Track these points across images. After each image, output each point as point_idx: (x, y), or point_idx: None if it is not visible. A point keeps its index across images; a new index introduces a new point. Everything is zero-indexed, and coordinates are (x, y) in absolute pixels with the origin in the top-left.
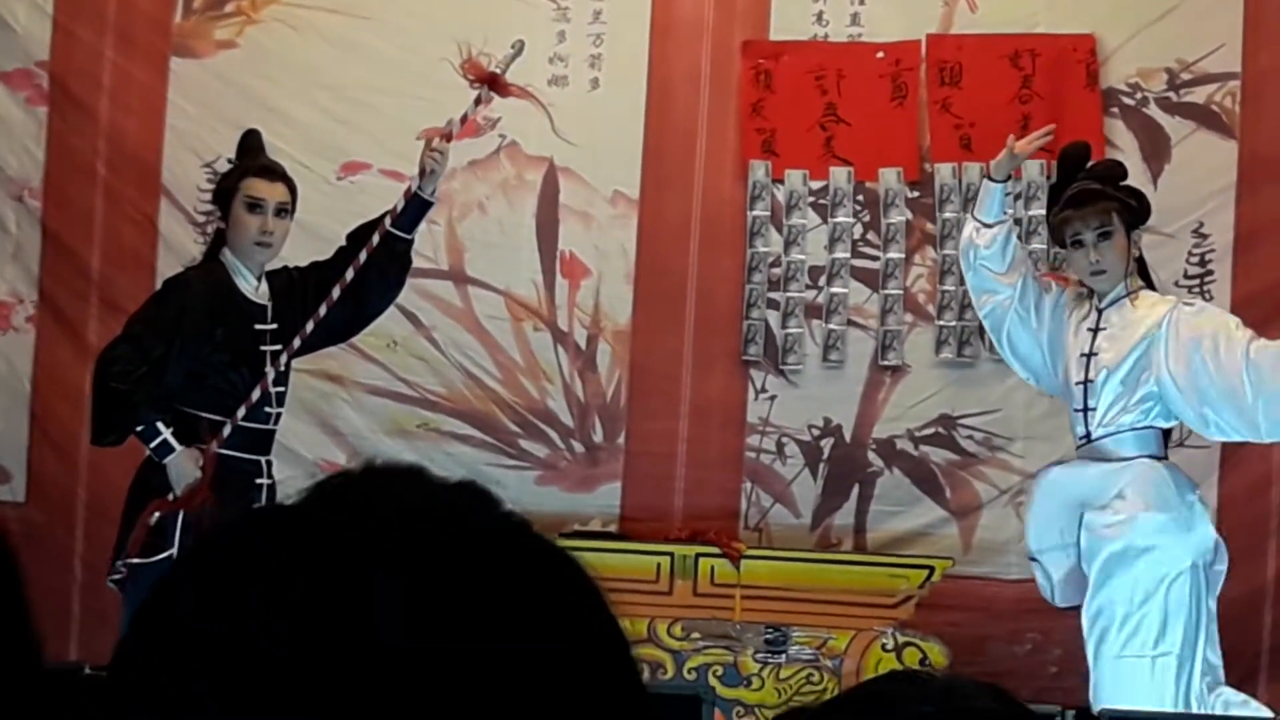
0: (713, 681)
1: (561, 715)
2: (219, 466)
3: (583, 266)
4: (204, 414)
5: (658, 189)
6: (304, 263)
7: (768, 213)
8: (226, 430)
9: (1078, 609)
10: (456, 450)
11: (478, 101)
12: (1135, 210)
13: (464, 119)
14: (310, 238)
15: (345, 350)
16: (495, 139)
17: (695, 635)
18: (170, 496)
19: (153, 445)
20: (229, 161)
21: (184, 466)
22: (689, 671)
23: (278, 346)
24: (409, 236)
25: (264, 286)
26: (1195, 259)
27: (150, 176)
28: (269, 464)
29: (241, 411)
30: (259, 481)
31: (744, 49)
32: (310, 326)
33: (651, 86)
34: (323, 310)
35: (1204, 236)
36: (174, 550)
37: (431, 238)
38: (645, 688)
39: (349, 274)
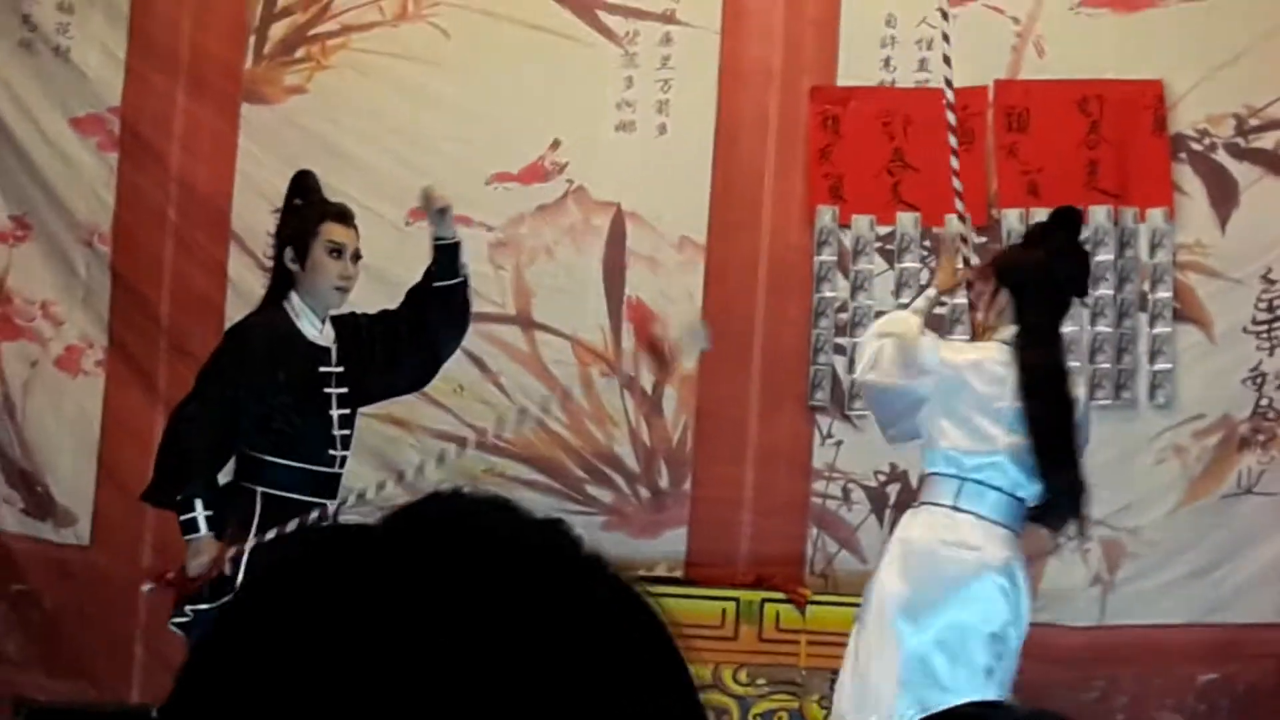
0: None
1: None
2: (280, 509)
3: (649, 312)
4: (267, 456)
5: (725, 234)
6: (371, 308)
7: (835, 258)
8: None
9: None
10: (523, 496)
11: None
12: (1024, 271)
13: None
14: (378, 284)
15: (413, 395)
16: (563, 184)
17: (760, 681)
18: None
19: (182, 519)
20: (295, 203)
21: (202, 551)
22: (754, 718)
23: (343, 390)
24: (457, 280)
25: (329, 329)
26: (1264, 305)
27: (220, 222)
28: (333, 509)
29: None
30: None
31: (812, 94)
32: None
33: (719, 132)
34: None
35: (1272, 282)
36: None
37: (499, 282)
38: None
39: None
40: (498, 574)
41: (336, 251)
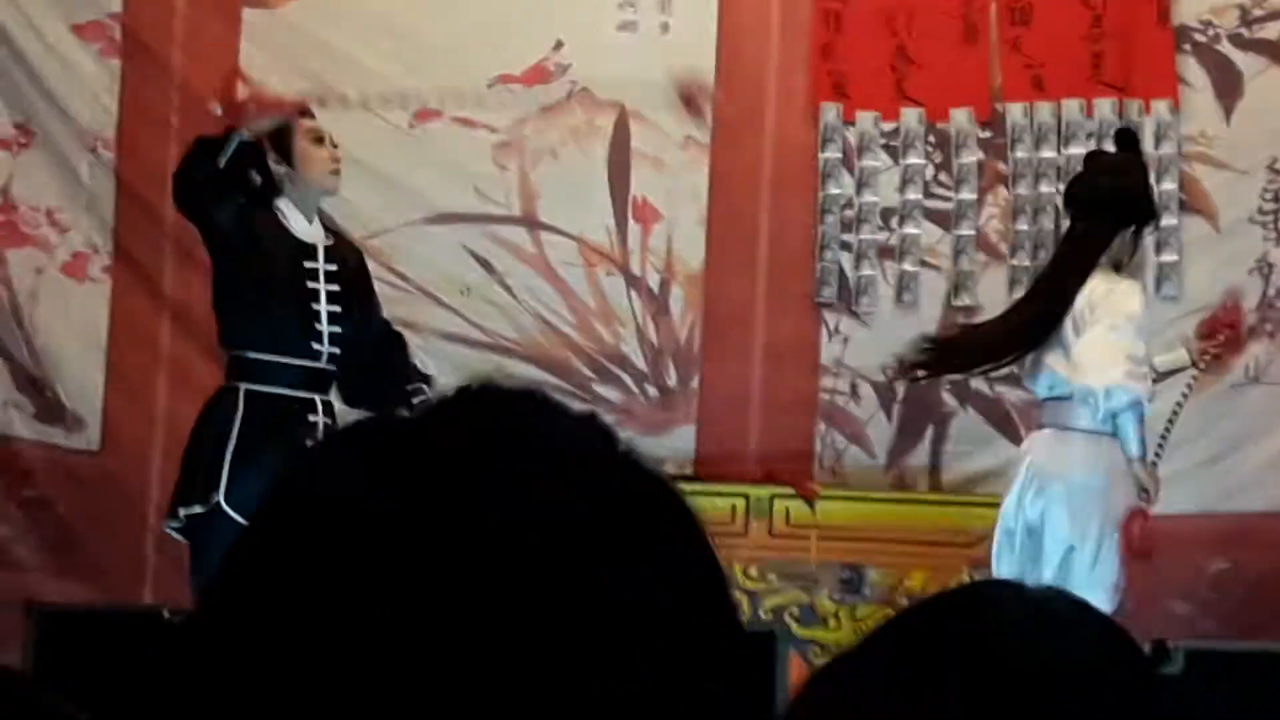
0: (789, 622)
1: (661, 646)
2: (265, 405)
3: (655, 211)
4: (249, 353)
5: (729, 133)
6: (378, 209)
7: (839, 155)
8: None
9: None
10: None
11: None
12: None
13: None
14: (384, 185)
15: (418, 297)
16: (566, 84)
17: (771, 576)
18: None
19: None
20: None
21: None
22: (766, 612)
23: (334, 287)
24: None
25: (317, 227)
26: (1270, 195)
27: (223, 126)
28: (326, 404)
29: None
30: (312, 419)
31: None
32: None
33: (721, 30)
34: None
35: (1278, 172)
36: (220, 494)
37: (504, 184)
38: (743, 629)
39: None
40: (533, 467)
41: (320, 139)
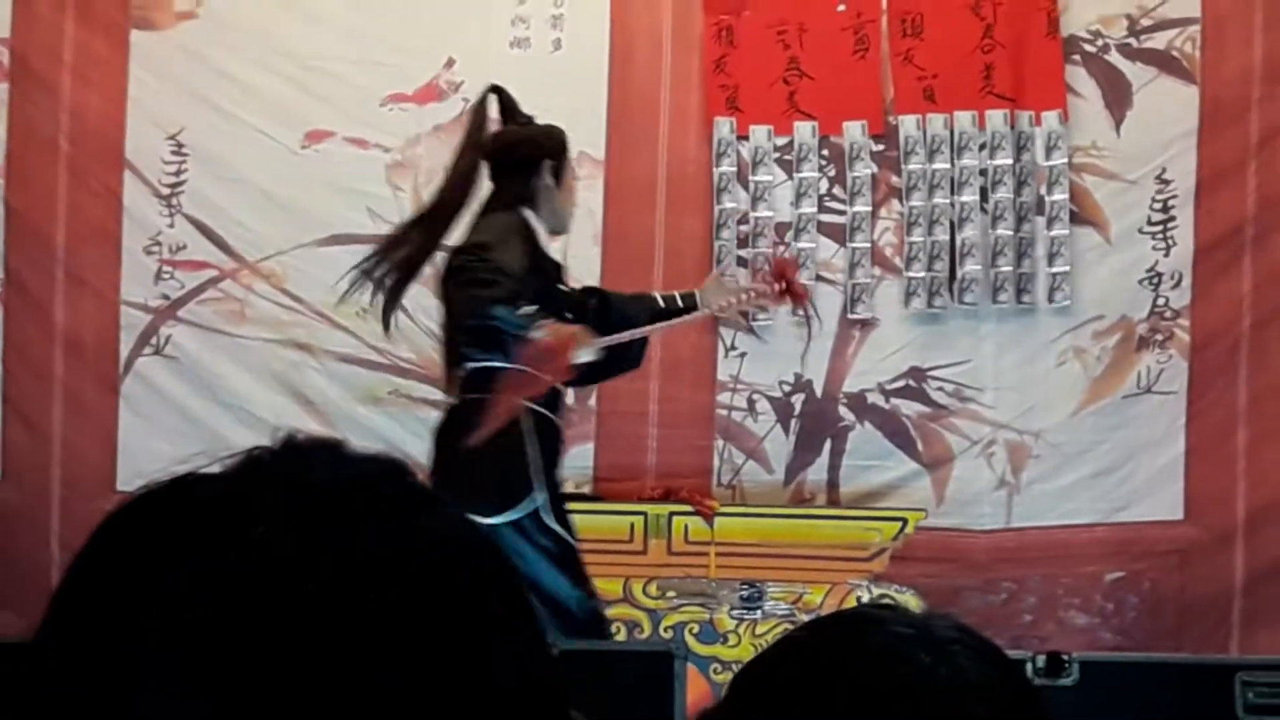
0: (689, 639)
1: (459, 683)
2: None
3: None
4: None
5: (623, 149)
6: (266, 229)
7: (734, 169)
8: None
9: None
10: (428, 416)
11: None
12: None
13: None
14: (274, 207)
15: (315, 319)
16: (459, 103)
17: (670, 594)
18: None
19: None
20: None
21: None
22: (665, 630)
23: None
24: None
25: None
26: (1158, 205)
27: (113, 150)
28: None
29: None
30: None
31: (706, 4)
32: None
33: (614, 46)
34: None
35: (1166, 182)
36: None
37: (398, 204)
38: (548, 648)
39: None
40: (328, 515)
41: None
